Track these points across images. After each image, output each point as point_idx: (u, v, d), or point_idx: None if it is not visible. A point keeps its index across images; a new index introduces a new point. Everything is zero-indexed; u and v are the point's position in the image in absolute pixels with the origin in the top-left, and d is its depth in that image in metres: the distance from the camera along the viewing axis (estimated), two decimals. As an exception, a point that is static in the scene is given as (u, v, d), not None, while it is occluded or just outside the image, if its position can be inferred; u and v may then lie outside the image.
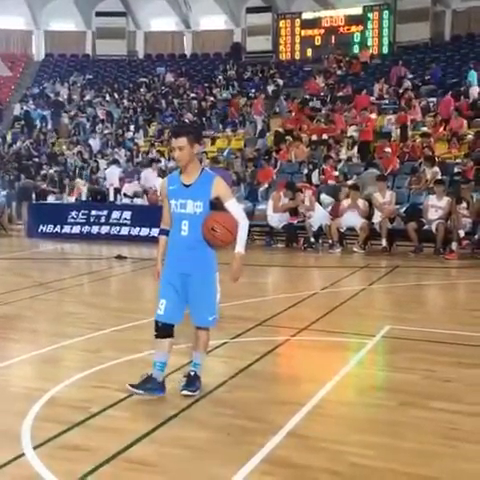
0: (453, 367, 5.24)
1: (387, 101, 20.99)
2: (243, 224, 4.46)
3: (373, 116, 18.73)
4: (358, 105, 19.63)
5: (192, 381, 4.57)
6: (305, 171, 15.95)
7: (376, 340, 6.06)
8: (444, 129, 17.51)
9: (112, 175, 17.27)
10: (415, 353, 5.64)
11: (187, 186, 4.46)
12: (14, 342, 6.32)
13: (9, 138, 25.57)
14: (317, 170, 15.68)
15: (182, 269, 4.47)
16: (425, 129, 17.48)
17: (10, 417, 4.23)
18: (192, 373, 4.61)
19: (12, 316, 7.27)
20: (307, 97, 22.61)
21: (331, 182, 14.83)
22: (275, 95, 23.31)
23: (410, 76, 21.92)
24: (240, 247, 4.44)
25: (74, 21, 32.45)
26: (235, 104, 22.99)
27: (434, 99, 19.95)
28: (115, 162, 18.50)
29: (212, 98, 25.29)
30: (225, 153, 20.04)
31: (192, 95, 25.88)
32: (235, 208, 4.51)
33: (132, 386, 4.53)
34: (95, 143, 23.18)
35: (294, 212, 13.20)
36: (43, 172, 20.39)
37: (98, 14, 31.80)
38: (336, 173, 14.79)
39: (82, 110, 26.66)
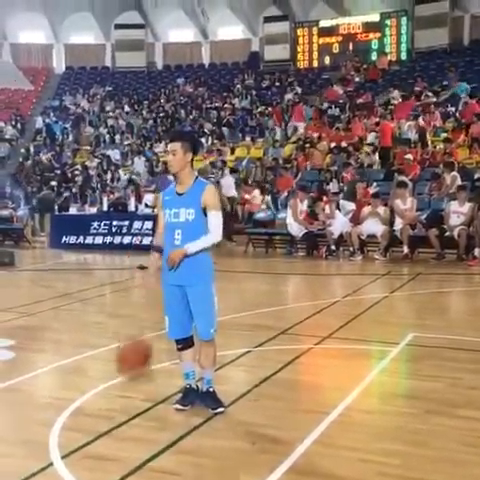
0: (479, 374, 5.19)
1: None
2: (210, 236, 4.36)
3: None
4: (404, 111, 19.46)
5: (215, 398, 4.52)
6: (322, 179, 15.93)
7: (400, 348, 6.03)
8: (466, 135, 17.36)
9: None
10: (440, 361, 5.60)
11: (180, 195, 4.45)
12: (39, 353, 6.38)
13: (32, 151, 25.87)
14: (335, 179, 15.65)
15: (179, 280, 4.39)
16: (445, 135, 17.37)
17: (38, 427, 4.28)
18: (211, 390, 4.53)
19: (36, 327, 7.34)
20: (324, 107, 22.51)
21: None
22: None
23: (429, 93, 21.59)
24: (191, 246, 4.32)
25: (93, 34, 32.88)
26: (277, 112, 23.01)
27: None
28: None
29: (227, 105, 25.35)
30: (244, 162, 20.08)
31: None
32: (214, 219, 4.38)
33: (180, 404, 4.54)
34: (115, 154, 23.36)
35: (314, 220, 13.20)
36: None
37: (117, 27, 32.15)
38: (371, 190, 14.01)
39: (102, 121, 26.91)
